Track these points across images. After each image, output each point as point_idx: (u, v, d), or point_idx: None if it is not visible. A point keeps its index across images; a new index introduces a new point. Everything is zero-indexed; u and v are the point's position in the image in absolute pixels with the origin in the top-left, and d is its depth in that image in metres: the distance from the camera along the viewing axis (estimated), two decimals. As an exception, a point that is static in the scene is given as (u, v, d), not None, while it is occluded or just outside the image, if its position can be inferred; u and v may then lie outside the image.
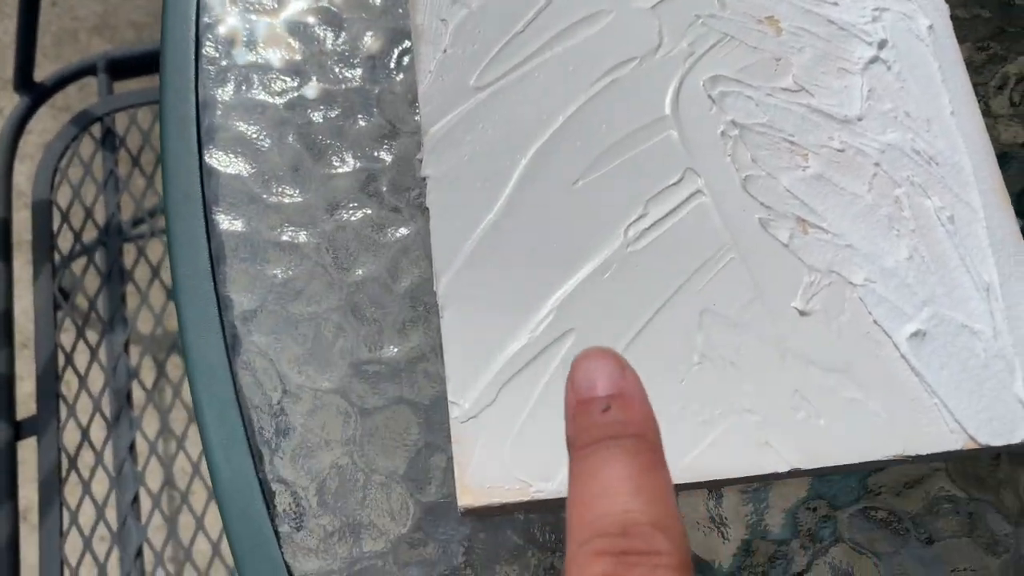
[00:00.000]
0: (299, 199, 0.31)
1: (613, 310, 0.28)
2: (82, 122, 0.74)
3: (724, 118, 0.30)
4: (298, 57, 0.33)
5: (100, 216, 0.72)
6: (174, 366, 0.72)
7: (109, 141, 0.74)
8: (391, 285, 0.30)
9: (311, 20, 0.34)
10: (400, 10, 0.34)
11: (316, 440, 0.28)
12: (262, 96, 0.33)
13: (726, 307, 0.28)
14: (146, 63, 0.76)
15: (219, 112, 0.33)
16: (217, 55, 0.33)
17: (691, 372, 0.27)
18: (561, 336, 0.27)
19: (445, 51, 0.31)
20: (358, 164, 0.32)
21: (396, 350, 0.30)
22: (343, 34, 0.34)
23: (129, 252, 0.72)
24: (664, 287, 0.28)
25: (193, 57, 0.33)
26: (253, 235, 0.31)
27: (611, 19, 0.31)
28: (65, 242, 0.72)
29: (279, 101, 0.33)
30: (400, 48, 0.33)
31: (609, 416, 0.18)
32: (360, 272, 0.30)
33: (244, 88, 0.33)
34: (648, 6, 0.31)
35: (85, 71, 0.76)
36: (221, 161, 0.32)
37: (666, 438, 0.26)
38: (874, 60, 0.31)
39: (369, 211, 0.31)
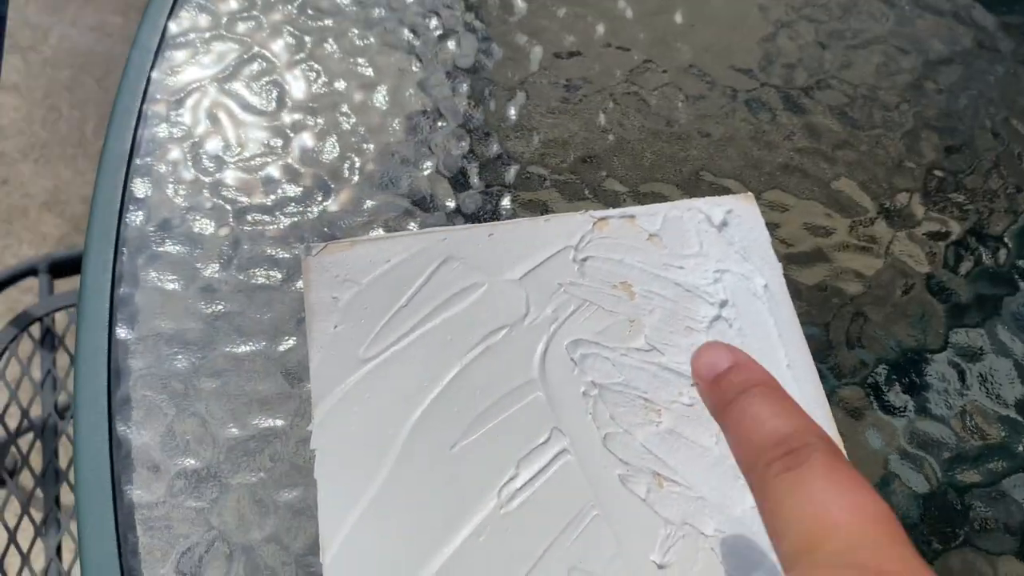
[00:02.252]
0: (199, 465, 0.34)
1: (487, 574, 0.30)
2: (22, 323, 0.76)
3: (585, 379, 0.34)
4: (202, 326, 0.37)
5: (36, 415, 0.74)
6: (106, 567, 0.72)
7: (48, 341, 0.76)
8: (288, 547, 0.33)
9: (215, 286, 0.37)
10: (295, 287, 0.37)
11: None
12: (169, 365, 0.36)
13: (591, 563, 0.30)
14: (87, 262, 0.79)
15: (131, 382, 0.35)
16: (129, 329, 0.37)
17: (560, 632, 0.29)
18: (439, 602, 0.30)
19: (336, 327, 0.34)
20: (258, 426, 0.35)
21: (292, 612, 0.31)
22: (243, 299, 0.37)
23: (64, 451, 0.73)
24: (534, 547, 0.31)
25: (107, 334, 0.36)
26: (158, 505, 0.33)
27: (484, 291, 0.35)
28: (-1, 443, 0.72)
29: (184, 367, 0.36)
30: (296, 317, 0.37)
31: (736, 378, 0.23)
32: (257, 535, 0.33)
33: (155, 360, 0.36)
34: (516, 277, 0.35)
35: (26, 272, 0.79)
36: (131, 431, 0.34)
37: None
38: (716, 318, 0.35)
39: (263, 475, 0.34)
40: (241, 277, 0.38)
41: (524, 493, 0.31)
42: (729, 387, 0.23)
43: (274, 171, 0.40)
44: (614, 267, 0.36)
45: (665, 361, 0.34)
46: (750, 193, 0.38)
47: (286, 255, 0.38)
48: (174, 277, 0.38)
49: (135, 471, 0.34)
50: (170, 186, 0.40)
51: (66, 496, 0.71)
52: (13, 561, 0.67)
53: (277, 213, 0.39)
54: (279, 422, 0.35)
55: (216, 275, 0.38)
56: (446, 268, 0.36)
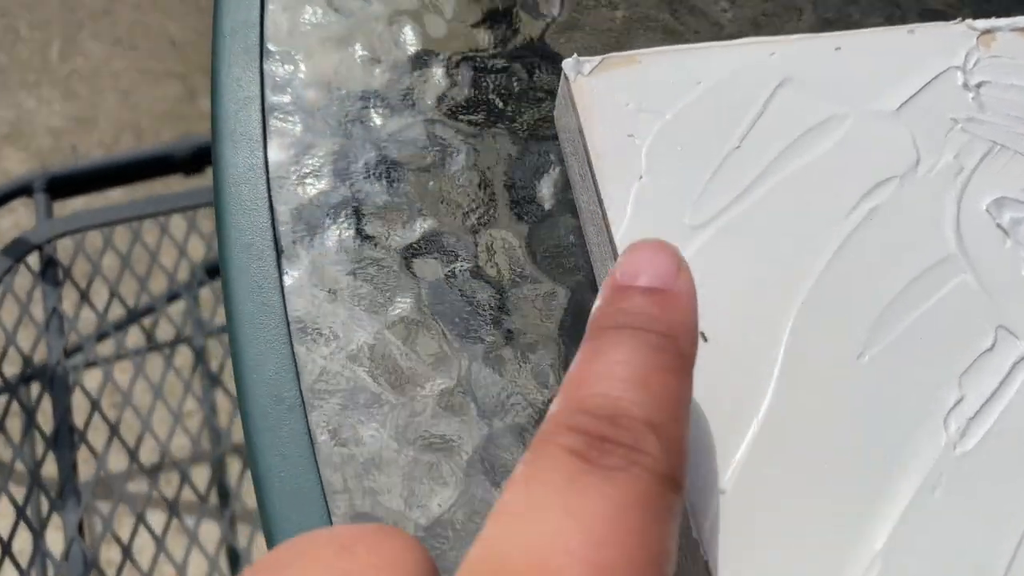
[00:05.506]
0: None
1: (965, 550, 0.19)
2: (17, 252, 0.61)
3: (1026, 254, 0.22)
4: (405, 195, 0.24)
5: (41, 362, 0.60)
6: (142, 545, 0.59)
7: (50, 273, 0.61)
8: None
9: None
10: (541, 126, 0.25)
11: None
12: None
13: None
14: (93, 179, 0.65)
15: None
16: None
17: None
18: (898, 598, 0.18)
19: (641, 178, 0.22)
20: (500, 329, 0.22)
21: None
22: (455, 141, 0.25)
23: (80, 406, 0.59)
24: (1020, 505, 0.19)
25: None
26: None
27: (848, 127, 0.23)
28: (-2, 398, 0.58)
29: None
30: (549, 180, 0.24)
31: (640, 306, 0.15)
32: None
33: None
34: (892, 108, 0.24)
35: (18, 191, 0.64)
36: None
37: None
38: None
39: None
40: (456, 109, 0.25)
41: (981, 424, 0.20)
42: (621, 311, 0.15)
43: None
44: (1022, 97, 0.24)
45: None
46: None
47: (517, 75, 0.26)
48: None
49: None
50: None
51: (85, 467, 0.57)
52: (23, 544, 0.54)
53: (489, 29, 0.27)
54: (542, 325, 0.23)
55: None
56: (785, 94, 0.24)
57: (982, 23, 0.25)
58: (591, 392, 0.14)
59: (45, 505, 0.56)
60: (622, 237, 0.21)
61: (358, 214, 0.24)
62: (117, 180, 0.65)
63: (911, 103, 0.24)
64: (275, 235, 0.23)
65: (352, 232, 0.23)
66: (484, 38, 0.27)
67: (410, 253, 0.23)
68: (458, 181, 0.24)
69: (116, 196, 0.74)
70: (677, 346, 0.15)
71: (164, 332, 0.70)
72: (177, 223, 0.67)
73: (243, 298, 0.22)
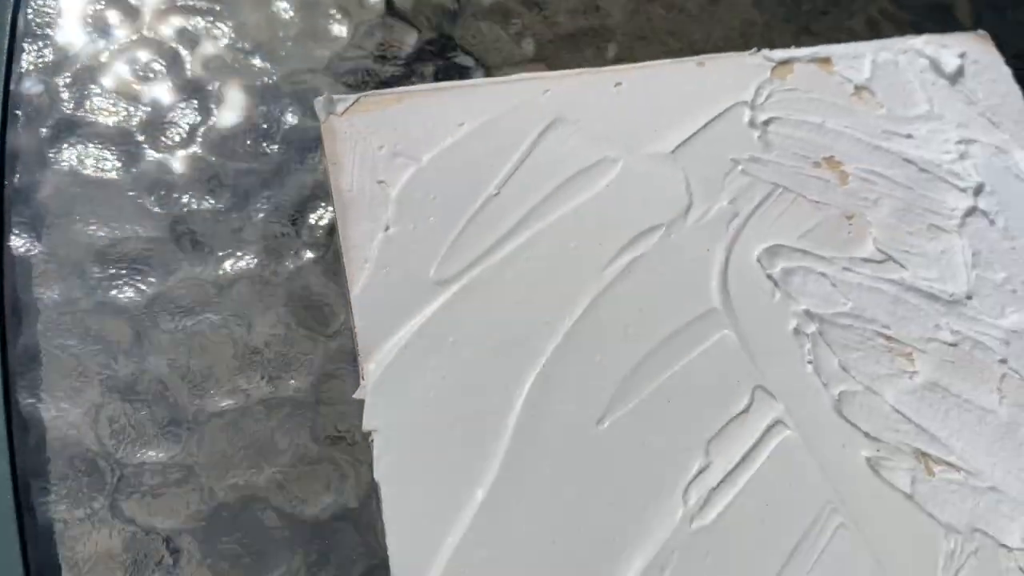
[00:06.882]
0: (164, 457, 0.20)
1: (683, 631, 0.18)
2: None
3: (794, 308, 0.21)
4: (155, 235, 0.23)
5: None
6: None
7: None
8: (324, 590, 0.20)
9: (171, 173, 0.23)
10: (304, 164, 0.23)
11: None
12: (104, 297, 0.22)
13: (844, 606, 0.19)
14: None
15: (39, 327, 0.21)
16: (33, 240, 0.22)
17: None
18: None
19: (387, 230, 0.21)
20: (257, 392, 0.21)
21: None
22: (218, 192, 0.23)
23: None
24: (751, 584, 0.18)
25: (-5, 246, 0.22)
26: (94, 525, 0.20)
27: (618, 171, 0.22)
28: None
29: (131, 299, 0.22)
30: (306, 217, 0.23)
31: None
32: (274, 576, 0.20)
33: (78, 289, 0.22)
34: (668, 149, 0.23)
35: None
36: (43, 406, 0.21)
37: None
38: (971, 211, 0.23)
39: (277, 474, 0.20)
40: (212, 158, 0.24)
41: (725, 494, 0.19)
42: None
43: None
44: (812, 134, 0.23)
45: (908, 278, 0.22)
46: (984, 31, 0.26)
47: (290, 116, 0.24)
48: (104, 156, 0.23)
49: (56, 470, 0.20)
50: (86, 16, 0.25)
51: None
52: None
53: (259, 57, 0.25)
54: (295, 384, 0.21)
55: (171, 154, 0.24)
56: (554, 136, 0.22)
57: (779, 53, 0.24)
58: None
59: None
60: (359, 294, 0.20)
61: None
62: None
63: (690, 144, 0.23)
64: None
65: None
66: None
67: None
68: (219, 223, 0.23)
69: None
70: None
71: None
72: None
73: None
